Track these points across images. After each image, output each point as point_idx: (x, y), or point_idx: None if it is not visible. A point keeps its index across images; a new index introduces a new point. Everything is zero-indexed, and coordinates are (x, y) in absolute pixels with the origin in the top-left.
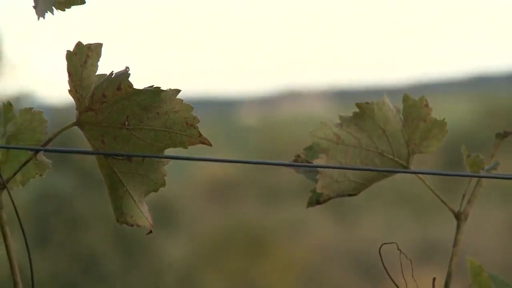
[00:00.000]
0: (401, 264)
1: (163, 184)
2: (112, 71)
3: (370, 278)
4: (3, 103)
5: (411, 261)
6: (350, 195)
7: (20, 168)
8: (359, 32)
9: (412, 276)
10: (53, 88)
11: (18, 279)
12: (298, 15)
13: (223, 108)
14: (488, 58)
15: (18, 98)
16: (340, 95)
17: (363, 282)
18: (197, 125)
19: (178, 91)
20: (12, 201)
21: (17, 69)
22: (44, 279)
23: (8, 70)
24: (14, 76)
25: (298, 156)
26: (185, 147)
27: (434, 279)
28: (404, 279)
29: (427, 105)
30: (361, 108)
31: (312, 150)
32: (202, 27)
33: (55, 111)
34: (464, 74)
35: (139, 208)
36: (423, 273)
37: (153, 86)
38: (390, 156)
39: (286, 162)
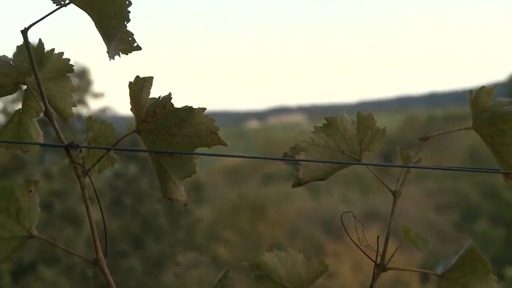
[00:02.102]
0: (355, 226)
1: (195, 171)
2: (160, 95)
3: (332, 233)
4: (86, 117)
5: (362, 224)
6: (321, 179)
7: (97, 161)
8: (325, 66)
9: (363, 234)
10: (124, 106)
11: (96, 235)
12: (286, 54)
13: (235, 119)
14: (408, 84)
15: (103, 111)
16: (314, 110)
17: (328, 236)
18: (218, 132)
19: (204, 108)
20: (92, 184)
21: (102, 94)
22: (115, 231)
23: (94, 93)
24: (99, 97)
25: (286, 153)
26: (209, 147)
27: (378, 236)
28: (358, 236)
29: (372, 119)
30: (329, 120)
31: (295, 149)
32: (222, 62)
33: (127, 120)
34: (391, 96)
35: (178, 188)
36: (369, 232)
37: (187, 105)
38: (348, 153)
39: (278, 157)
